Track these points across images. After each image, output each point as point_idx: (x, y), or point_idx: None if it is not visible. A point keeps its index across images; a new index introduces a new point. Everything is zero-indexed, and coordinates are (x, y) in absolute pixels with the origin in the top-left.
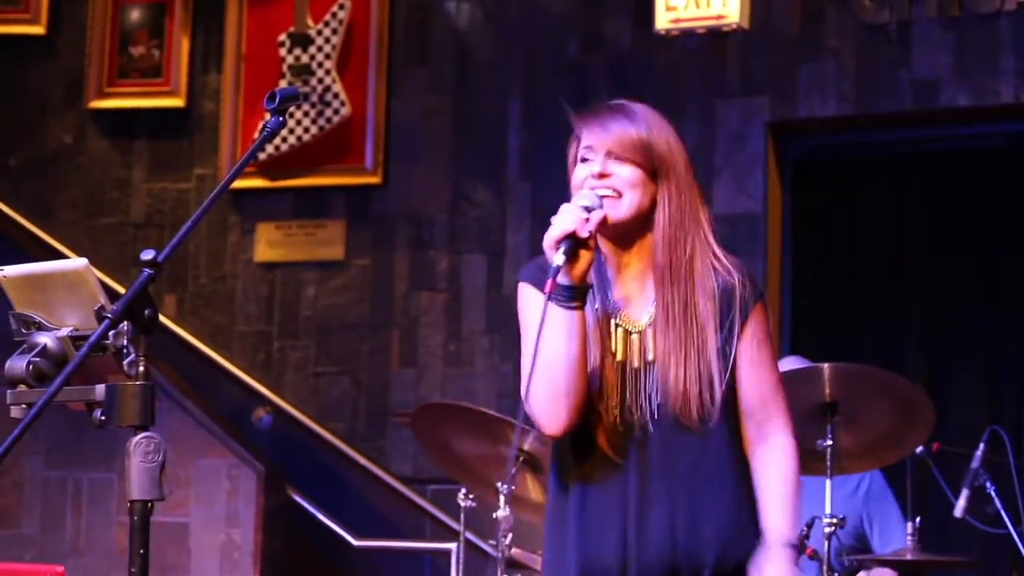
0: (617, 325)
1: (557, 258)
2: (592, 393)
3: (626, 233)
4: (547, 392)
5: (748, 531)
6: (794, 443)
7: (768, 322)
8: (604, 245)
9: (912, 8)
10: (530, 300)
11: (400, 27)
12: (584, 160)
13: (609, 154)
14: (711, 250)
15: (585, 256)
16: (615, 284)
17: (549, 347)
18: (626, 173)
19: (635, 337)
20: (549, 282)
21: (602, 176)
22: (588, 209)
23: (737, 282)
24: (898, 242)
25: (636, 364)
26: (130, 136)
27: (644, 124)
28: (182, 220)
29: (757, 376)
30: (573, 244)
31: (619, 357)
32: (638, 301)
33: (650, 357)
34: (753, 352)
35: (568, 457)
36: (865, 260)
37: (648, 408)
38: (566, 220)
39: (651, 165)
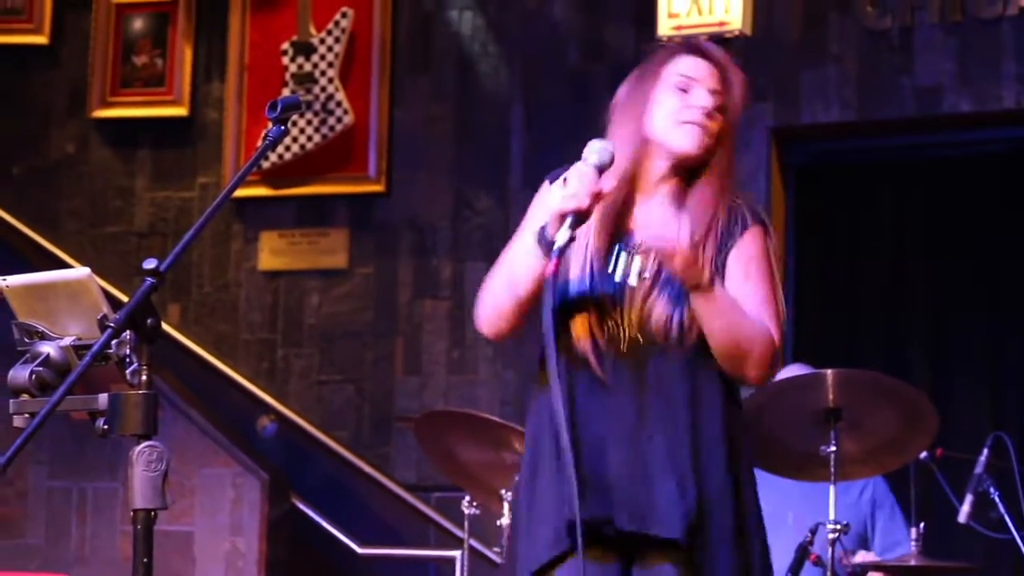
0: (622, 248)
1: (561, 236)
2: (587, 309)
3: (676, 164)
4: (503, 296)
5: (710, 471)
6: (775, 338)
7: (766, 243)
8: (645, 159)
9: (914, 14)
10: (541, 198)
11: (402, 35)
12: (680, 89)
13: (713, 93)
14: (731, 204)
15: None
16: (635, 202)
17: (520, 266)
18: (717, 125)
19: (637, 258)
20: (553, 262)
21: (707, 115)
22: (599, 168)
23: (739, 215)
24: (900, 248)
25: (633, 283)
26: (133, 145)
27: (744, 85)
28: (185, 229)
29: (743, 292)
30: (578, 220)
31: (617, 277)
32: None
33: (647, 276)
34: (742, 268)
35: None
36: (868, 266)
37: (638, 327)
38: (579, 193)
39: (732, 121)
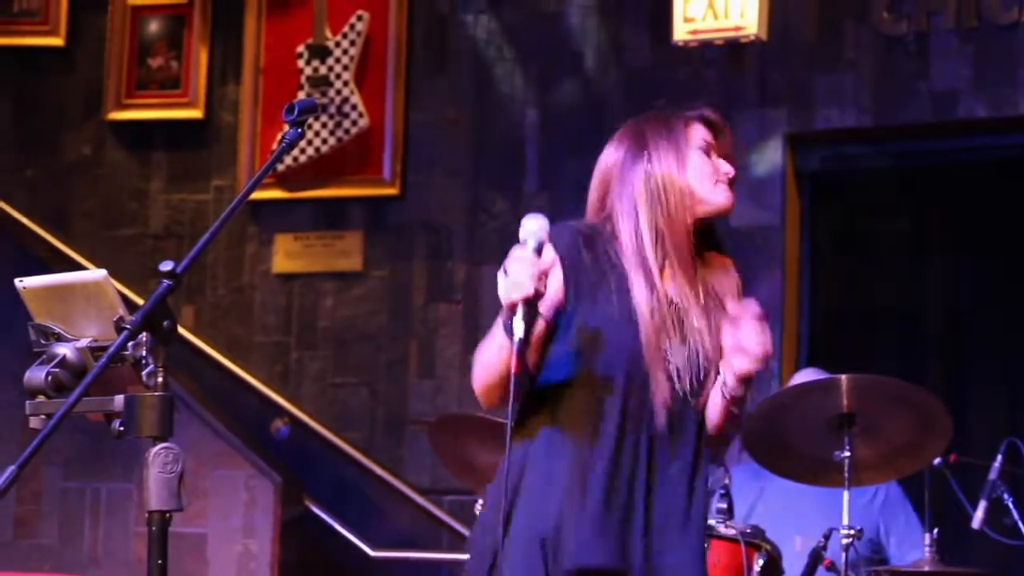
0: (671, 302)
1: (517, 329)
2: (642, 367)
3: (704, 219)
4: (485, 376)
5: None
6: None
7: None
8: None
9: (930, 19)
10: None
11: (418, 38)
12: (704, 152)
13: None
14: None
15: (539, 312)
16: (666, 264)
17: (493, 351)
18: None
19: (683, 319)
20: (513, 360)
21: (730, 181)
22: (537, 248)
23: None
24: (916, 253)
25: (683, 343)
26: (148, 147)
27: None
28: (200, 231)
29: None
30: (530, 310)
31: (675, 337)
32: (685, 287)
33: (696, 338)
34: None
35: (583, 426)
36: (883, 271)
37: (689, 385)
38: (522, 282)
39: None
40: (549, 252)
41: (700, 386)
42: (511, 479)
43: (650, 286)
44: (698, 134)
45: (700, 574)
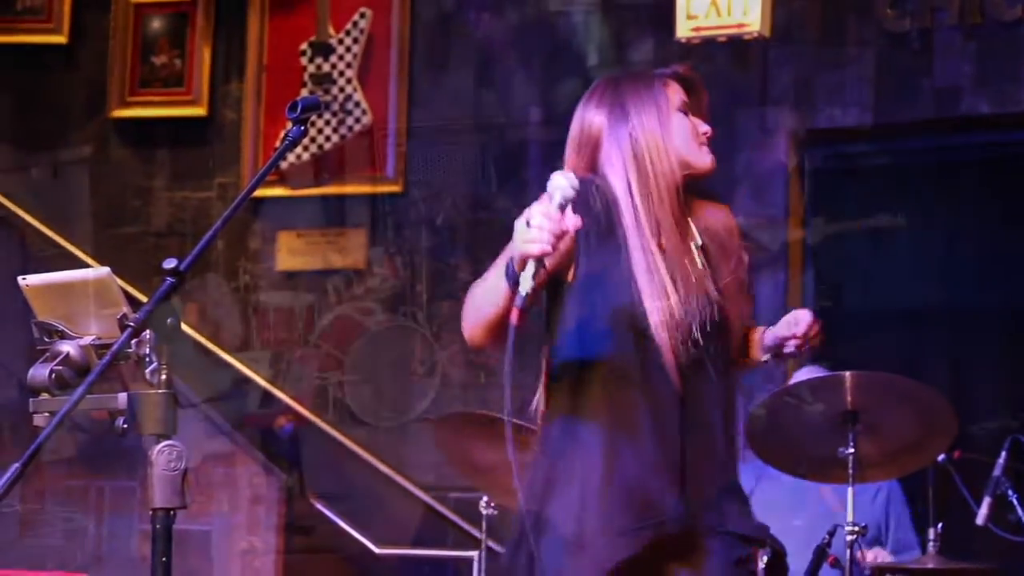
0: (669, 257)
1: (524, 284)
2: (665, 325)
3: (678, 186)
4: (476, 314)
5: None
6: None
7: None
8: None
9: (933, 16)
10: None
11: (421, 36)
12: (683, 112)
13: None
14: None
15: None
16: (673, 222)
17: (491, 292)
18: None
19: (681, 271)
20: (515, 312)
21: (709, 139)
22: (562, 205)
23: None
24: (919, 249)
25: (701, 298)
26: (152, 145)
27: None
28: (204, 229)
29: None
30: (541, 263)
31: (675, 292)
32: (679, 241)
33: (699, 287)
34: None
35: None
36: (885, 268)
37: (702, 330)
38: (541, 238)
39: None
40: (572, 213)
41: (716, 328)
42: (547, 461)
43: (646, 244)
44: (676, 95)
45: (743, 508)
